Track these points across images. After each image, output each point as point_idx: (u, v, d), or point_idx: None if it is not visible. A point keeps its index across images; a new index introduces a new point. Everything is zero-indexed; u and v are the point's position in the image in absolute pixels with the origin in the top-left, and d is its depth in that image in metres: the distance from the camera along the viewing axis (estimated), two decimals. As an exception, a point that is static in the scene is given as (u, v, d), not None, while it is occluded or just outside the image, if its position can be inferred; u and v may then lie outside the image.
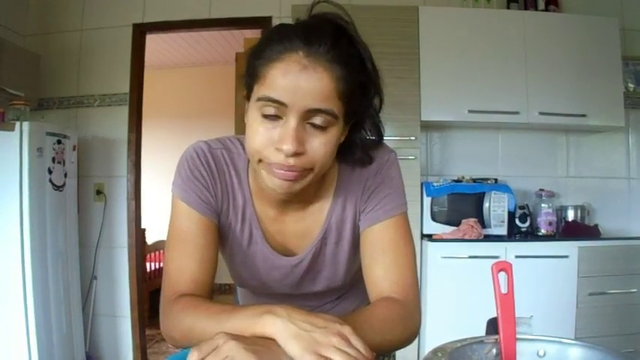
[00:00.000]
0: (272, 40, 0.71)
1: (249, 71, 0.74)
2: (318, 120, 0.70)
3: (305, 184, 0.75)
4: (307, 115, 0.69)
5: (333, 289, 0.96)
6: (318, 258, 0.90)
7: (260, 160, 0.73)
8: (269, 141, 0.71)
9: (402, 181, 0.88)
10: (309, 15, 0.75)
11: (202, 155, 0.84)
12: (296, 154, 0.70)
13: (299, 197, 0.83)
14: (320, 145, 0.71)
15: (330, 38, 0.69)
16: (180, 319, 0.73)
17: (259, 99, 0.70)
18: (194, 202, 0.82)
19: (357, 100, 0.74)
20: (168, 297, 0.78)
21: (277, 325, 0.61)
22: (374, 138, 0.84)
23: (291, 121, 0.69)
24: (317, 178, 0.76)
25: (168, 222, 0.84)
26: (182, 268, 0.79)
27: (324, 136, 0.72)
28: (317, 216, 0.88)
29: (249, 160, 0.84)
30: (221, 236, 0.88)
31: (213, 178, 0.84)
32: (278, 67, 0.69)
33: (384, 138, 0.88)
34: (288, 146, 0.68)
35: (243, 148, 0.86)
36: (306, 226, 0.88)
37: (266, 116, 0.71)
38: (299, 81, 0.68)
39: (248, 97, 0.76)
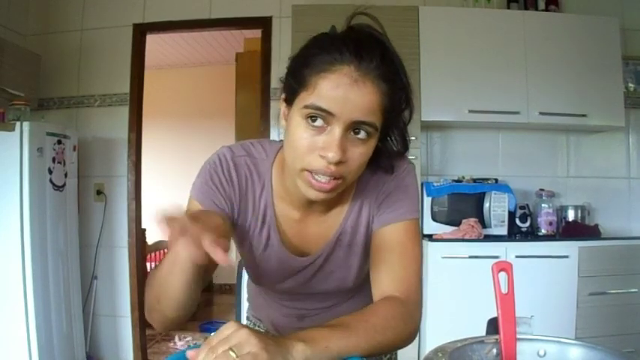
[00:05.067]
0: (322, 50, 0.73)
1: (296, 78, 0.75)
2: (361, 131, 0.74)
3: (337, 192, 0.79)
4: (351, 125, 0.72)
5: (343, 290, 0.98)
6: (331, 259, 0.92)
7: (302, 169, 0.75)
8: (313, 146, 0.73)
9: (417, 191, 0.91)
10: (348, 25, 0.77)
11: (224, 163, 0.87)
12: (339, 163, 0.72)
13: (325, 200, 0.85)
14: (359, 156, 0.75)
15: (379, 55, 0.72)
16: (149, 285, 0.79)
17: (307, 107, 0.72)
18: (209, 205, 0.85)
19: (395, 114, 0.78)
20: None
21: None
22: (399, 148, 0.86)
23: (337, 130, 0.72)
24: (347, 186, 0.80)
25: None
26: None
27: (364, 147, 0.75)
28: (335, 218, 0.91)
29: (272, 164, 0.88)
30: (240, 238, 0.92)
31: (232, 187, 0.87)
32: (329, 78, 0.71)
33: None
34: (333, 154, 0.71)
35: (266, 154, 0.89)
36: (325, 228, 0.91)
37: (311, 123, 0.73)
38: (349, 94, 0.70)
39: (287, 101, 0.78)
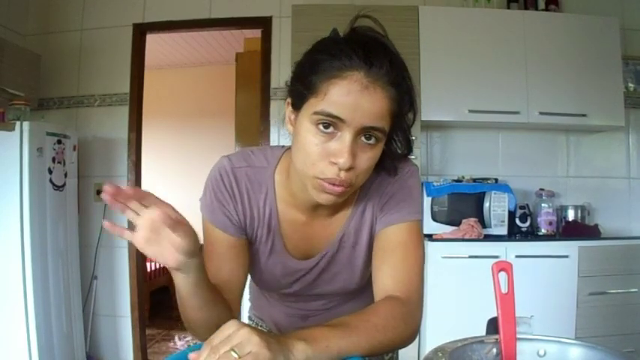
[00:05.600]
0: (330, 56, 0.73)
1: (304, 83, 0.75)
2: (370, 136, 0.74)
3: (346, 196, 0.80)
4: (361, 131, 0.73)
5: (347, 292, 0.98)
6: (334, 261, 0.93)
7: (314, 177, 0.75)
8: (324, 153, 0.73)
9: (419, 193, 0.91)
10: (351, 28, 0.77)
11: (226, 177, 0.88)
12: (349, 169, 0.73)
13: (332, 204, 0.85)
14: (367, 160, 0.75)
15: (388, 60, 0.73)
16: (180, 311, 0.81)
17: (317, 113, 0.72)
18: (218, 222, 0.88)
19: (402, 117, 0.78)
20: None
21: None
22: (403, 151, 0.87)
23: (347, 136, 0.72)
24: (355, 189, 0.80)
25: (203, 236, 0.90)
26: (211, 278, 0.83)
27: (372, 152, 0.75)
28: (340, 221, 0.91)
29: (275, 171, 0.89)
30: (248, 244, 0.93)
31: (234, 200, 0.88)
32: (339, 85, 0.71)
33: None
34: (344, 160, 0.71)
35: (267, 162, 0.90)
36: (330, 231, 0.92)
37: (321, 129, 0.73)
38: (360, 100, 0.71)
39: (294, 105, 0.79)
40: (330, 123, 0.72)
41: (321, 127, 0.72)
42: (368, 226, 0.90)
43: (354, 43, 0.74)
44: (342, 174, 0.73)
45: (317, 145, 0.73)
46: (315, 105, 0.72)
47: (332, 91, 0.71)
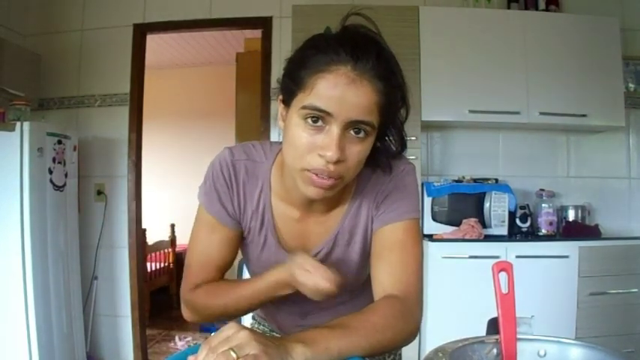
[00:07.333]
0: (318, 51, 0.74)
1: (293, 79, 0.76)
2: (358, 130, 0.74)
3: (336, 191, 0.80)
4: (349, 125, 0.73)
5: (344, 290, 0.98)
6: (329, 258, 0.93)
7: (302, 169, 0.76)
8: (312, 146, 0.74)
9: (416, 191, 0.91)
10: (343, 25, 0.78)
11: (225, 168, 0.90)
12: (337, 162, 0.73)
13: (325, 199, 0.86)
14: (357, 154, 0.76)
15: (375, 54, 0.73)
16: (209, 301, 0.89)
17: (305, 107, 0.73)
18: (214, 210, 0.90)
19: (392, 112, 0.79)
20: (187, 287, 0.92)
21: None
22: (397, 148, 0.87)
23: (334, 129, 0.73)
24: (345, 184, 0.81)
25: (194, 221, 0.95)
26: (200, 263, 0.92)
27: (361, 145, 0.76)
28: (335, 218, 0.92)
29: (273, 164, 0.90)
30: (243, 237, 0.95)
31: (231, 191, 0.90)
32: (326, 78, 0.72)
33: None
34: (332, 153, 0.72)
35: (266, 156, 0.91)
36: (325, 228, 0.92)
37: (309, 123, 0.74)
38: (346, 93, 0.71)
39: (284, 102, 0.80)
40: (317, 117, 0.73)
41: (309, 120, 0.73)
42: (363, 224, 0.91)
43: (343, 38, 0.75)
44: (331, 166, 0.74)
45: (305, 139, 0.74)
46: (303, 100, 0.73)
47: (319, 85, 0.72)
